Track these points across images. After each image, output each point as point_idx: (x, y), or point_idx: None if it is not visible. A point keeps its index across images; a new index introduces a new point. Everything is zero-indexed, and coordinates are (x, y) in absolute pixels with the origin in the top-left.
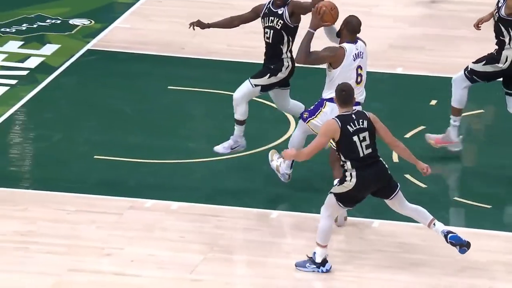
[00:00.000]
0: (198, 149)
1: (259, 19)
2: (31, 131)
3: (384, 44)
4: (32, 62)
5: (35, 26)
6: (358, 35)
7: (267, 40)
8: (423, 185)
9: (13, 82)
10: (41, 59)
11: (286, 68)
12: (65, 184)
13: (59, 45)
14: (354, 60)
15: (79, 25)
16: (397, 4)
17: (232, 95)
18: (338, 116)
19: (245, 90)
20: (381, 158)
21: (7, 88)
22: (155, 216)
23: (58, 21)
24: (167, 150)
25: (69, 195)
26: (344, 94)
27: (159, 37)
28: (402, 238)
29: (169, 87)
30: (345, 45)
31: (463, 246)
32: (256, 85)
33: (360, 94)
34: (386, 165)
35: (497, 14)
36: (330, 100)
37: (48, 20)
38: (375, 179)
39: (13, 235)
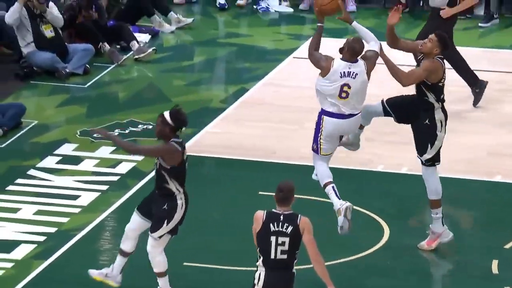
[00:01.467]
0: None
1: None
2: (120, 237)
3: (482, 151)
4: (124, 168)
5: (127, 131)
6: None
7: (155, 176)
8: None
9: (104, 188)
10: (133, 164)
11: (181, 207)
12: None
13: None
14: (341, 77)
15: None
16: (493, 111)
17: (322, 201)
18: (268, 211)
19: (153, 243)
20: (294, 270)
21: (98, 194)
22: None
23: (150, 127)
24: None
25: None
26: (281, 195)
27: (249, 142)
28: None
29: (260, 192)
30: (336, 59)
31: None
32: (160, 237)
33: (346, 106)
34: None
35: None
36: (327, 114)
37: (140, 126)
38: (281, 286)
39: None
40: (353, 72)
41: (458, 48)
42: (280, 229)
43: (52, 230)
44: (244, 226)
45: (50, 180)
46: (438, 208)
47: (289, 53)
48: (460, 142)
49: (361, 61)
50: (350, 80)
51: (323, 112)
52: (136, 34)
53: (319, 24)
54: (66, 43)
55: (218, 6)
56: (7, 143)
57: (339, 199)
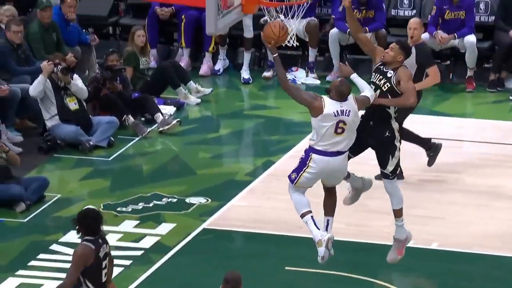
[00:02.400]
0: None
1: None
2: None
3: None
4: (147, 242)
5: (151, 205)
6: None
7: None
8: None
9: (127, 262)
10: (157, 238)
11: None
12: None
13: (175, 224)
14: (336, 116)
15: (195, 204)
16: None
17: (349, 276)
18: None
19: None
20: None
21: (121, 269)
22: None
23: (174, 200)
24: None
25: None
26: (229, 286)
27: (276, 215)
28: None
29: (286, 267)
30: (326, 98)
31: None
32: None
33: (340, 143)
34: None
35: (387, 84)
36: (317, 152)
37: (164, 199)
38: None
39: None
40: (346, 110)
41: (490, 121)
42: None
43: None
44: None
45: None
46: (402, 216)
47: None
48: (494, 216)
49: (351, 97)
50: (345, 118)
51: (312, 150)
52: (161, 106)
53: (276, 55)
54: (90, 116)
55: (243, 81)
56: (29, 217)
57: (319, 229)
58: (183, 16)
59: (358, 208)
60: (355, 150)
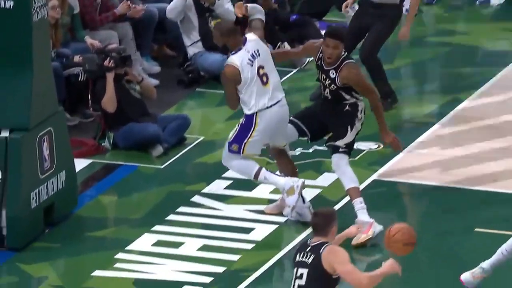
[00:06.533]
0: None
1: None
2: None
3: None
4: (306, 195)
5: (310, 150)
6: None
7: None
8: None
9: (282, 219)
10: (317, 191)
11: None
12: None
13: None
14: (252, 65)
15: (364, 150)
16: None
17: None
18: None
19: None
20: None
21: (275, 226)
22: None
23: None
24: None
25: None
26: (316, 220)
27: (464, 166)
28: None
29: (476, 229)
30: (232, 59)
31: None
32: None
33: (274, 93)
34: None
35: (333, 85)
36: (261, 109)
37: None
38: None
39: None
40: (255, 51)
41: None
42: (303, 259)
43: (220, 269)
44: (462, 266)
45: (218, 209)
46: (360, 197)
47: None
48: None
49: (250, 35)
50: (260, 59)
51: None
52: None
53: None
54: None
55: (425, 1)
56: (167, 163)
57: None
58: None
59: None
60: (317, 134)
